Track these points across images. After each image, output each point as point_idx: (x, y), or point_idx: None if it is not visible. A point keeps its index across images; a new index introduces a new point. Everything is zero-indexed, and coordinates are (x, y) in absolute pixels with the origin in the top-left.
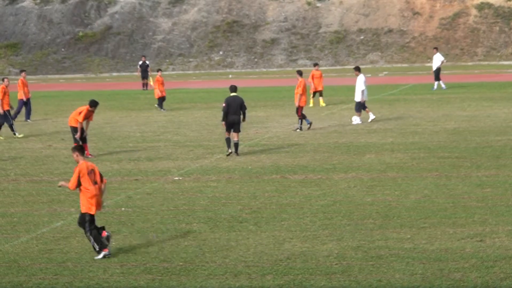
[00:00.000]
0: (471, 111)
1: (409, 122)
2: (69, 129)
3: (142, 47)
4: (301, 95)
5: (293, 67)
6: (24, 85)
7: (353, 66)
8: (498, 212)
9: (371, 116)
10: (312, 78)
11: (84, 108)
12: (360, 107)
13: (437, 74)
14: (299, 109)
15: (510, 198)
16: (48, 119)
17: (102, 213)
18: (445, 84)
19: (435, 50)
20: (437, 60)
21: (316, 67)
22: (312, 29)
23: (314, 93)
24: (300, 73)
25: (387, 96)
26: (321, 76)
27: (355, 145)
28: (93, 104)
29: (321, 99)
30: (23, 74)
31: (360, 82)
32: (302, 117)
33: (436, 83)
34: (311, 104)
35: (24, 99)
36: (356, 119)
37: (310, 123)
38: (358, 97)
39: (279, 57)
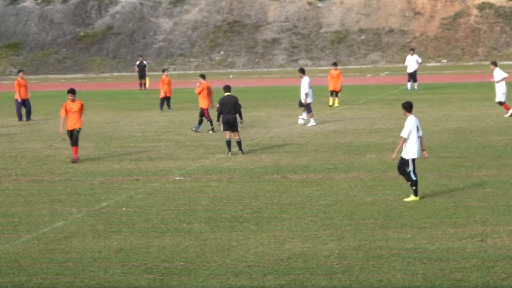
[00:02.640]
0: (472, 111)
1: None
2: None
3: (143, 47)
4: (204, 97)
5: (294, 67)
6: (21, 85)
7: (355, 66)
8: (499, 212)
9: (300, 120)
10: (330, 77)
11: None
12: (309, 108)
13: (414, 76)
14: (205, 112)
15: (511, 198)
16: (49, 119)
17: (103, 213)
18: (428, 84)
19: (411, 51)
20: (413, 61)
21: (334, 67)
22: (313, 29)
23: (332, 92)
24: (203, 76)
25: (388, 96)
26: (338, 76)
27: (356, 145)
28: (68, 91)
29: (336, 99)
30: (20, 74)
31: (304, 85)
32: (200, 120)
33: (409, 84)
34: (330, 103)
35: (19, 99)
36: (311, 122)
37: (196, 131)
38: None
39: (280, 57)
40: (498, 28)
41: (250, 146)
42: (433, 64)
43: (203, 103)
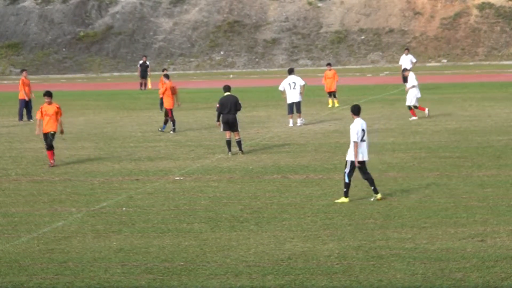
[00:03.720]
0: (472, 111)
1: (410, 121)
2: (66, 129)
3: (143, 47)
4: (168, 97)
5: (294, 67)
6: (25, 84)
7: (355, 66)
8: (499, 212)
9: (299, 122)
10: (325, 78)
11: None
12: (288, 108)
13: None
14: (168, 112)
15: (511, 198)
16: None
17: (103, 213)
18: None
19: (406, 51)
20: (408, 61)
21: (329, 67)
22: (313, 29)
23: (329, 93)
24: (166, 76)
25: (388, 96)
26: (334, 76)
27: None
28: (44, 94)
29: (335, 99)
30: (24, 73)
31: (281, 84)
32: (171, 120)
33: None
34: (330, 105)
35: (26, 98)
36: (300, 121)
37: (162, 130)
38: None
39: (280, 57)
40: (498, 28)
41: (250, 146)
42: (433, 64)
43: (167, 103)
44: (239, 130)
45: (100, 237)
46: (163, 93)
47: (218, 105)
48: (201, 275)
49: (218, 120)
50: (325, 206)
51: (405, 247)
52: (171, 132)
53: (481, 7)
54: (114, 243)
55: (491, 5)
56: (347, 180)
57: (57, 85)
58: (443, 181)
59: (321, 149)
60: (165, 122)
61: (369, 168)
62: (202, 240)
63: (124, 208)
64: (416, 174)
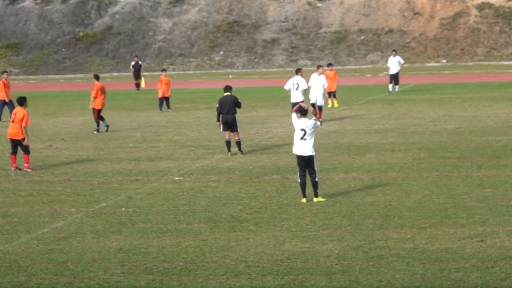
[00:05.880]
0: (471, 111)
1: (409, 122)
2: (66, 130)
3: (143, 47)
4: (95, 98)
5: (293, 67)
6: (5, 86)
7: (354, 66)
8: (498, 212)
9: None
10: (325, 78)
11: (25, 112)
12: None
13: (396, 78)
14: (94, 112)
15: (510, 198)
16: (48, 119)
17: (103, 213)
18: (410, 85)
19: (394, 52)
20: (396, 62)
21: (330, 67)
22: (312, 29)
23: (329, 93)
24: (96, 77)
25: (388, 96)
26: (334, 77)
27: (356, 145)
28: (21, 101)
29: (334, 100)
30: (4, 75)
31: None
32: (100, 119)
33: (390, 85)
34: (329, 105)
35: (6, 100)
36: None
37: (107, 126)
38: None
39: (279, 57)
40: (498, 28)
41: (250, 146)
42: (432, 64)
43: (96, 103)
44: (238, 130)
45: (99, 238)
46: (95, 95)
47: (217, 105)
48: (200, 275)
49: (218, 120)
50: (325, 206)
51: (404, 248)
52: (95, 132)
53: (481, 7)
54: (114, 243)
55: (490, 5)
56: (299, 180)
57: (56, 85)
58: (442, 181)
59: (321, 149)
60: (102, 119)
61: (369, 169)
62: (202, 241)
63: (123, 209)
64: (416, 174)
